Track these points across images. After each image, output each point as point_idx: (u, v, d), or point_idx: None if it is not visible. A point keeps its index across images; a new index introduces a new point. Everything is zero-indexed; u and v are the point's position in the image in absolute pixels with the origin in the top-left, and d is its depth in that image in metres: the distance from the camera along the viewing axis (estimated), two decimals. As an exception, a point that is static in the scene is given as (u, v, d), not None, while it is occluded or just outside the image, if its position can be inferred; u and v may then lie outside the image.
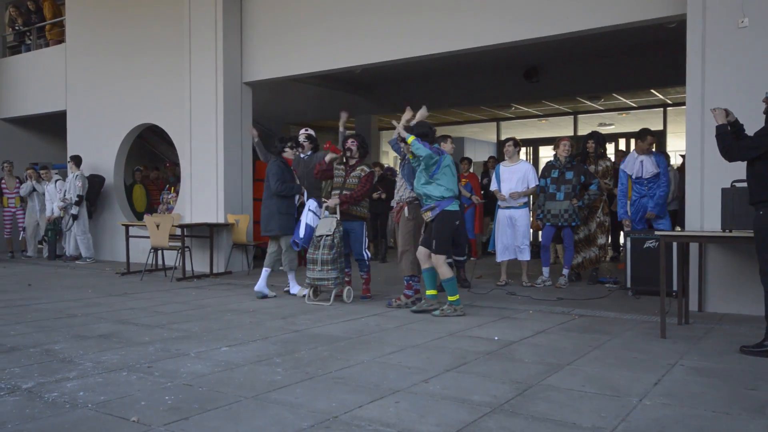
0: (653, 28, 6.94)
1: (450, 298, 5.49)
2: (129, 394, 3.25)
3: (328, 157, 6.34)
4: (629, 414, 2.91)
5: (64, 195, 10.40)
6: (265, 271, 6.71)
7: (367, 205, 6.43)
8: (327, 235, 6.02)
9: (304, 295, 6.49)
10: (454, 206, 5.49)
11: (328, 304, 6.11)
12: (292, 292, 6.81)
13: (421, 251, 5.62)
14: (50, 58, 12.22)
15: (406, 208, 6.10)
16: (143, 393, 3.27)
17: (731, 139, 4.30)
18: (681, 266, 5.13)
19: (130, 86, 10.51)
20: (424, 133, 5.65)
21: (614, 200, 8.48)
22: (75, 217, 10.27)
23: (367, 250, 6.41)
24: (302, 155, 7.00)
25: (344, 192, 6.15)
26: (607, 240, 7.93)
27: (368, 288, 6.54)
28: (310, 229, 6.33)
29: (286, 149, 6.96)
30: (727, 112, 4.35)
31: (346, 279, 6.32)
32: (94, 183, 10.64)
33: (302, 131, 7.11)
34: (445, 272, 5.47)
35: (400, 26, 7.81)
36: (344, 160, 6.31)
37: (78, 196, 10.26)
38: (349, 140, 6.33)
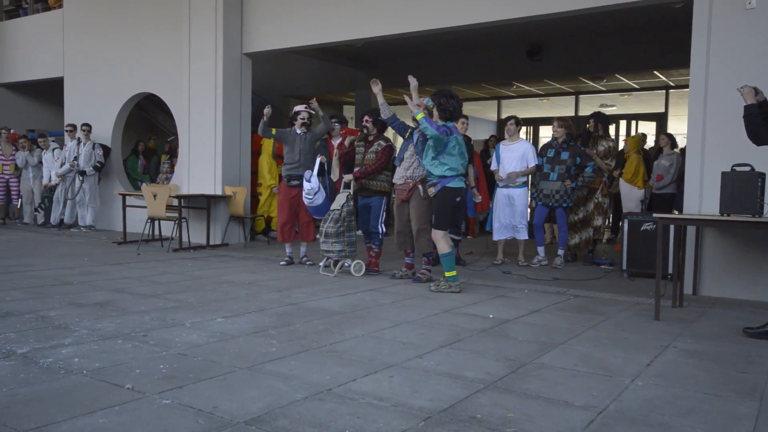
0: (659, 7, 6.86)
1: (446, 274, 5.52)
2: (124, 362, 3.26)
3: (347, 141, 6.52)
4: (621, 394, 2.94)
5: (74, 159, 10.31)
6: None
7: (387, 179, 6.49)
8: (335, 210, 6.20)
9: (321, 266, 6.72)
10: (456, 183, 5.50)
11: (332, 275, 6.22)
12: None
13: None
14: (48, 23, 12.05)
15: (420, 187, 5.93)
16: (138, 361, 3.28)
17: (761, 120, 3.91)
18: (677, 249, 5.14)
19: (129, 54, 10.39)
20: (439, 103, 5.52)
21: (614, 182, 8.47)
22: (83, 173, 10.23)
23: (383, 224, 6.48)
24: (298, 131, 6.98)
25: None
26: (604, 222, 7.92)
27: (377, 263, 6.61)
28: (308, 200, 6.51)
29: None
30: (756, 91, 3.98)
31: (370, 255, 6.54)
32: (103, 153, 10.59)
33: (303, 108, 7.07)
34: (443, 247, 5.50)
35: (402, 0, 7.69)
36: (364, 137, 6.46)
37: (99, 163, 10.30)
38: (365, 117, 6.48)
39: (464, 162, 5.61)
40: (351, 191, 6.31)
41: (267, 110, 6.95)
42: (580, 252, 7.61)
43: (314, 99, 7.08)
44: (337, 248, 6.17)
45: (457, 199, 5.57)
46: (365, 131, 6.47)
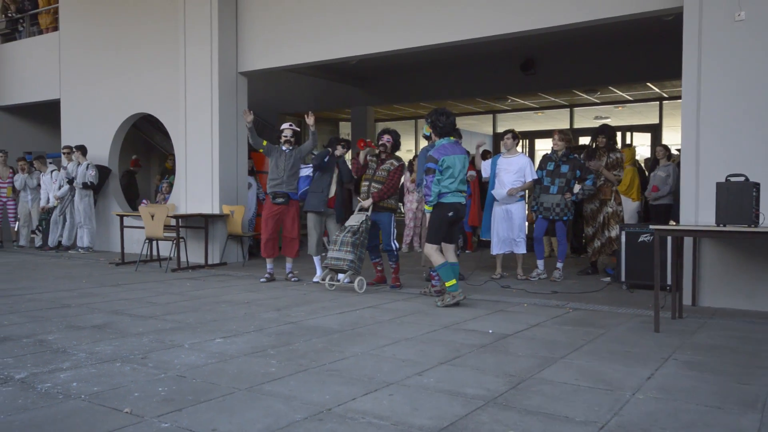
0: (650, 20, 6.93)
1: (446, 284, 5.58)
2: (122, 385, 3.24)
3: (361, 156, 6.65)
4: (622, 408, 2.93)
5: (69, 181, 10.30)
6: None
7: (396, 196, 6.68)
8: (354, 224, 6.32)
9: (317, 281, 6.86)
10: (448, 198, 5.57)
11: (330, 288, 6.41)
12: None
13: (445, 247, 5.71)
14: (44, 46, 12.13)
15: None
16: (137, 384, 3.26)
17: None
18: (675, 260, 5.15)
19: (125, 75, 10.44)
20: (432, 121, 5.73)
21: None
22: (72, 195, 10.20)
23: (395, 241, 6.57)
24: (283, 148, 7.07)
25: (373, 183, 6.45)
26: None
27: (398, 277, 6.68)
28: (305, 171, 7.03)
29: (339, 147, 7.14)
30: None
31: (379, 270, 6.72)
32: (101, 174, 10.58)
33: (288, 125, 7.23)
34: (436, 260, 5.58)
35: (396, 17, 7.77)
36: (377, 154, 6.58)
37: (90, 183, 10.22)
38: (385, 136, 6.59)
39: (455, 180, 5.61)
40: (369, 213, 6.41)
41: (248, 116, 7.03)
42: (601, 263, 7.50)
43: (310, 112, 7.15)
44: (349, 258, 6.20)
45: (450, 214, 5.60)
46: (383, 149, 6.53)
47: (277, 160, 7.04)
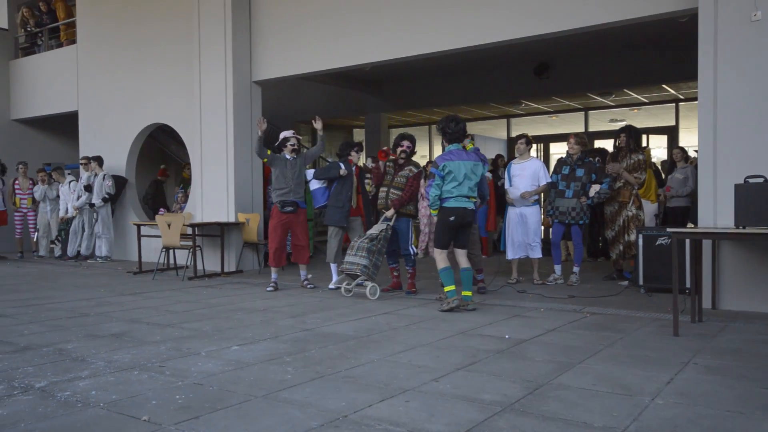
0: (664, 22, 6.86)
1: (444, 289, 5.67)
2: (140, 393, 3.26)
3: (381, 164, 6.69)
4: (641, 413, 2.89)
5: (86, 188, 10.45)
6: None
7: (415, 202, 6.72)
8: (373, 232, 6.37)
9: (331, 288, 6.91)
10: (449, 203, 5.63)
11: (347, 294, 6.45)
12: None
13: (457, 252, 5.78)
14: (62, 58, 12.33)
15: None
16: (154, 392, 3.28)
17: None
18: (694, 263, 5.08)
19: (141, 86, 10.58)
20: (442, 128, 5.80)
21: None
22: (92, 205, 10.33)
23: (413, 246, 6.60)
24: (288, 156, 7.08)
25: (392, 190, 6.49)
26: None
27: (413, 283, 6.69)
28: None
29: (352, 153, 7.18)
30: None
31: (395, 276, 6.78)
32: (118, 184, 10.72)
33: (291, 134, 7.21)
34: (439, 263, 5.68)
35: (409, 23, 7.79)
36: (394, 160, 6.61)
37: (107, 194, 10.36)
38: (404, 142, 6.60)
39: (459, 185, 5.61)
40: (391, 223, 6.44)
41: (263, 126, 7.02)
42: (626, 267, 7.36)
43: (317, 117, 7.17)
44: (363, 263, 6.21)
45: (451, 219, 5.62)
46: (403, 155, 6.54)
47: (283, 170, 7.02)
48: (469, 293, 5.65)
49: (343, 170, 6.92)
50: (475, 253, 6.66)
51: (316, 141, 7.43)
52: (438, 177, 5.63)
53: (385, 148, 7.05)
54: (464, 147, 5.82)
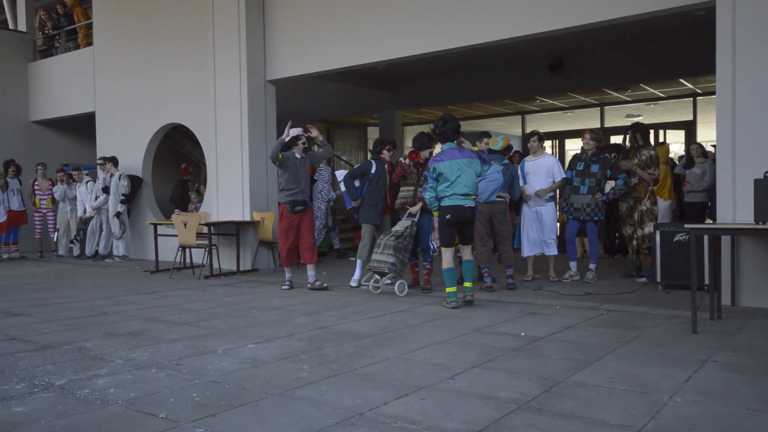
0: (681, 15, 6.77)
1: (446, 290, 5.74)
2: (158, 391, 3.29)
3: (407, 162, 6.74)
4: (659, 411, 2.86)
5: (103, 189, 10.57)
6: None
7: None
8: (398, 229, 6.46)
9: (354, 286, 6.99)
10: (445, 202, 5.69)
11: (375, 291, 6.54)
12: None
13: (461, 247, 5.86)
14: (78, 60, 12.47)
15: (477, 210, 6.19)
16: (171, 390, 3.31)
17: None
18: (713, 260, 5.02)
19: (157, 87, 10.66)
20: (434, 128, 5.89)
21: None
22: (119, 214, 10.47)
23: (434, 242, 6.63)
24: (298, 156, 7.05)
25: (419, 189, 6.58)
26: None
27: (429, 279, 6.73)
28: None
29: (384, 151, 7.23)
30: None
31: (416, 272, 6.91)
32: (133, 183, 10.82)
33: (300, 131, 7.15)
34: (443, 262, 5.76)
35: (422, 20, 7.76)
36: (419, 160, 6.68)
37: (123, 195, 10.47)
38: (432, 144, 6.66)
39: (452, 184, 5.63)
40: (416, 219, 6.50)
41: (294, 130, 7.00)
42: (644, 262, 7.25)
43: (311, 127, 7.17)
44: (391, 260, 6.29)
45: (447, 217, 5.66)
46: (427, 155, 6.57)
47: (295, 170, 6.93)
48: (469, 284, 5.77)
49: (386, 155, 7.15)
50: (506, 249, 6.77)
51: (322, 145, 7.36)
52: (431, 179, 5.72)
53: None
54: (459, 144, 5.82)
